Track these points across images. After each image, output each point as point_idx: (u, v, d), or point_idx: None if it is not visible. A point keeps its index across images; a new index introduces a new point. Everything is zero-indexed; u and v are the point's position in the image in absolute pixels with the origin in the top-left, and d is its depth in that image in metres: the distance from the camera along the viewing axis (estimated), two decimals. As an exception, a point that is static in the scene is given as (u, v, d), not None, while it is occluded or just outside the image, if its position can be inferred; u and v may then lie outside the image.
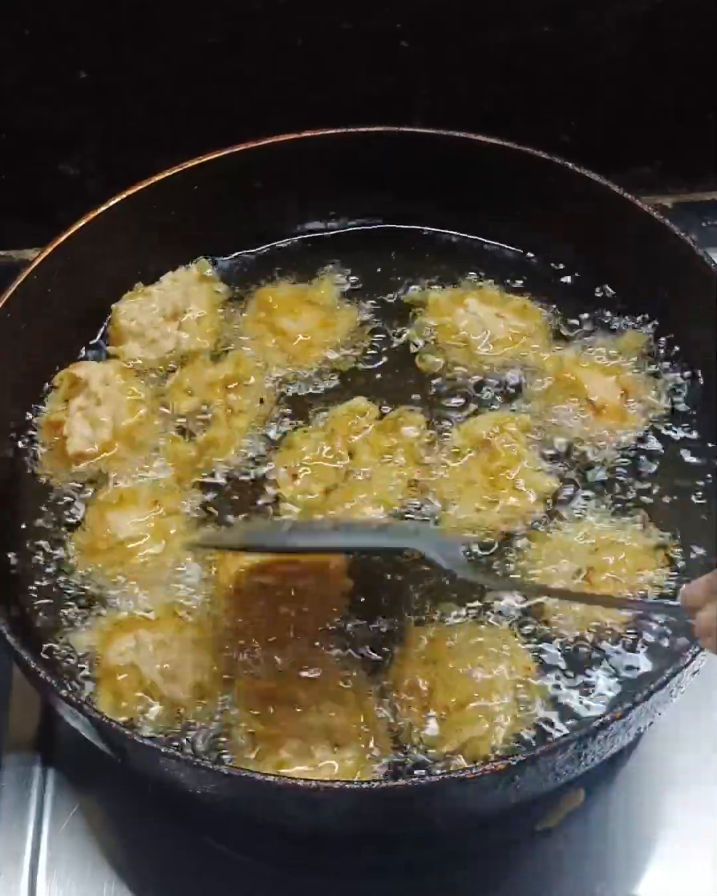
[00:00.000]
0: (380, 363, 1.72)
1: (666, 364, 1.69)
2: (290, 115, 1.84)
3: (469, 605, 1.51)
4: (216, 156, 1.74)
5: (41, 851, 1.57)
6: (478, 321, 1.71)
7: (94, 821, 1.60)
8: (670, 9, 1.90)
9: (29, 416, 1.67)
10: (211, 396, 1.66)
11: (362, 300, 1.77)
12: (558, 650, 1.48)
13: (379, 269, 1.80)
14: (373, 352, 1.73)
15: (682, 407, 1.66)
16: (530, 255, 1.82)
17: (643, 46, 1.96)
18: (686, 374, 1.68)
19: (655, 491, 1.60)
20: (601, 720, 1.31)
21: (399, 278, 1.79)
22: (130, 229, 1.73)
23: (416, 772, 1.40)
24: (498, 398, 1.67)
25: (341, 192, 1.80)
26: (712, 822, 1.58)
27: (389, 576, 1.54)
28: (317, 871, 1.58)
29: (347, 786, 1.29)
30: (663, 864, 1.57)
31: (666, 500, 1.59)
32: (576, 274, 1.79)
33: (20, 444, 1.65)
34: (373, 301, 1.77)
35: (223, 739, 1.43)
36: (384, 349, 1.73)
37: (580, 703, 1.45)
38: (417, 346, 1.73)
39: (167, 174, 1.72)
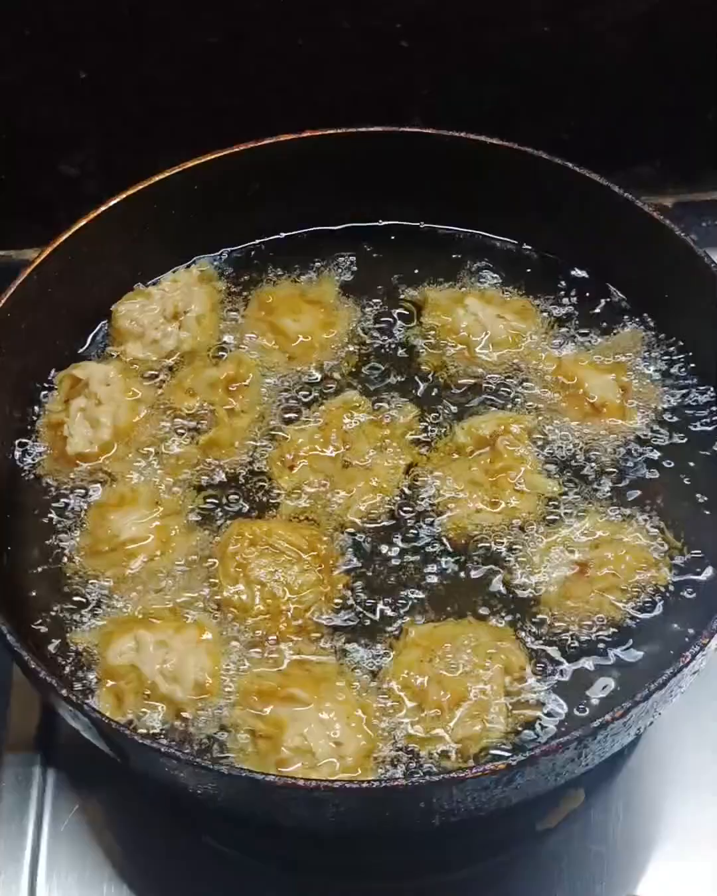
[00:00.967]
0: (380, 363, 1.72)
1: (666, 363, 1.69)
2: (290, 115, 1.84)
3: (468, 603, 1.51)
4: (216, 156, 1.74)
5: (41, 851, 1.57)
6: (478, 321, 1.71)
7: (94, 821, 1.60)
8: (670, 9, 1.91)
9: (29, 416, 1.67)
10: (211, 396, 1.66)
11: (361, 300, 1.77)
12: (558, 649, 1.48)
13: (379, 269, 1.80)
14: (373, 351, 1.73)
15: (682, 406, 1.66)
16: (530, 255, 1.82)
17: (643, 46, 1.96)
18: (686, 373, 1.68)
19: (655, 490, 1.60)
20: (601, 720, 1.31)
21: (399, 278, 1.79)
22: (130, 229, 1.73)
23: (416, 771, 1.40)
24: (498, 398, 1.68)
25: (341, 191, 1.80)
26: (712, 822, 1.58)
27: (388, 575, 1.54)
28: (317, 871, 1.58)
29: (347, 785, 1.29)
30: (663, 864, 1.57)
31: (666, 498, 1.59)
32: (576, 274, 1.79)
33: (20, 445, 1.65)
34: (373, 301, 1.77)
35: (223, 739, 1.43)
36: (384, 349, 1.73)
37: (580, 702, 1.44)
38: (417, 345, 1.73)
39: (167, 174, 1.72)
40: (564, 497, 1.58)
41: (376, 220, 1.85)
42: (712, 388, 1.66)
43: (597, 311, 1.75)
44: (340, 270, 1.80)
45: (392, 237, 1.84)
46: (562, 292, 1.77)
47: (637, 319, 1.73)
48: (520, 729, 1.42)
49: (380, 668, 1.47)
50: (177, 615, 1.50)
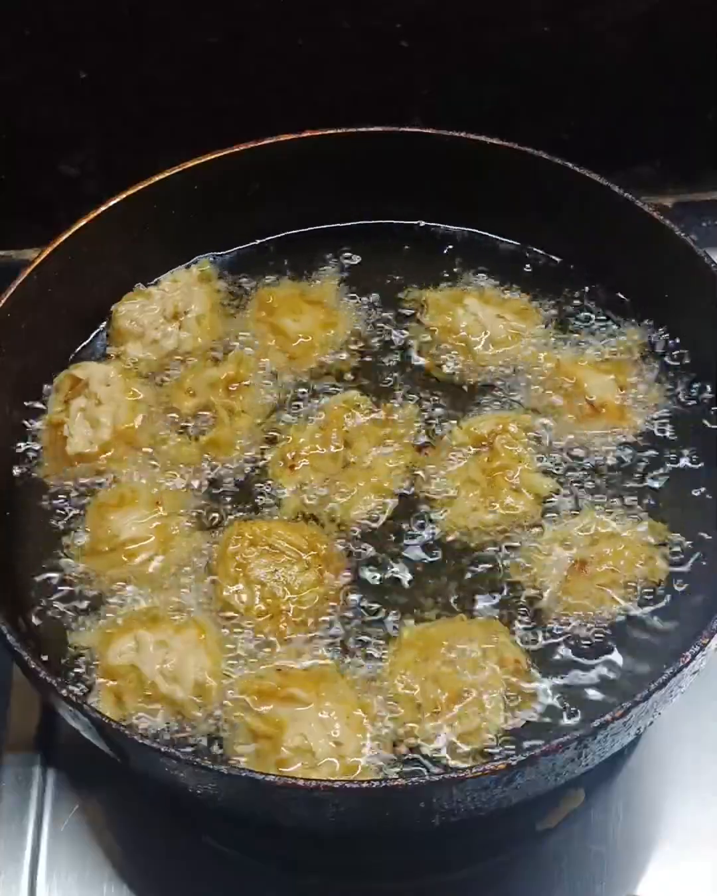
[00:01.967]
0: (380, 363, 1.72)
1: (665, 363, 1.69)
2: (290, 115, 1.84)
3: (468, 602, 1.51)
4: (216, 156, 1.74)
5: (41, 851, 1.57)
6: (477, 321, 1.71)
7: (94, 821, 1.60)
8: (670, 9, 1.91)
9: (29, 416, 1.67)
10: (212, 396, 1.66)
11: (361, 300, 1.77)
12: (558, 647, 1.48)
13: (379, 269, 1.80)
14: (373, 351, 1.73)
15: (681, 406, 1.66)
16: (529, 255, 1.82)
17: (643, 46, 1.96)
18: (685, 373, 1.68)
19: (654, 489, 1.60)
20: (600, 720, 1.31)
21: (399, 278, 1.79)
22: (130, 229, 1.73)
23: (416, 771, 1.40)
24: (498, 398, 1.68)
25: (341, 191, 1.80)
26: (712, 822, 1.58)
27: (388, 574, 1.54)
28: (317, 871, 1.58)
29: (347, 785, 1.29)
30: (663, 864, 1.57)
31: (665, 498, 1.59)
32: (576, 274, 1.79)
33: (20, 445, 1.65)
34: (373, 301, 1.77)
35: (223, 739, 1.43)
36: (384, 349, 1.73)
37: (580, 702, 1.44)
38: (416, 345, 1.73)
39: (167, 174, 1.72)
40: (562, 495, 1.58)
41: (376, 219, 1.85)
42: (711, 388, 1.66)
43: (597, 311, 1.75)
44: (340, 270, 1.80)
45: (392, 237, 1.84)
46: (562, 292, 1.77)
47: (637, 319, 1.73)
48: (519, 727, 1.42)
49: (379, 667, 1.47)
50: (177, 615, 1.50)
